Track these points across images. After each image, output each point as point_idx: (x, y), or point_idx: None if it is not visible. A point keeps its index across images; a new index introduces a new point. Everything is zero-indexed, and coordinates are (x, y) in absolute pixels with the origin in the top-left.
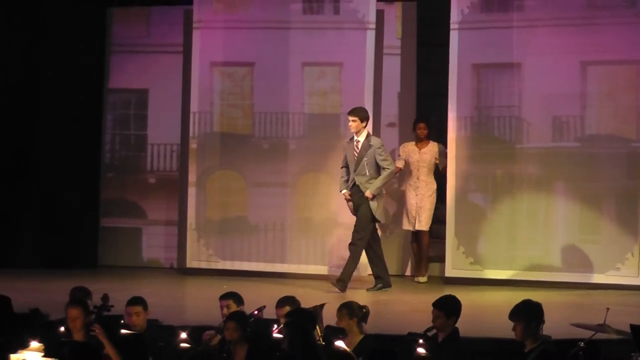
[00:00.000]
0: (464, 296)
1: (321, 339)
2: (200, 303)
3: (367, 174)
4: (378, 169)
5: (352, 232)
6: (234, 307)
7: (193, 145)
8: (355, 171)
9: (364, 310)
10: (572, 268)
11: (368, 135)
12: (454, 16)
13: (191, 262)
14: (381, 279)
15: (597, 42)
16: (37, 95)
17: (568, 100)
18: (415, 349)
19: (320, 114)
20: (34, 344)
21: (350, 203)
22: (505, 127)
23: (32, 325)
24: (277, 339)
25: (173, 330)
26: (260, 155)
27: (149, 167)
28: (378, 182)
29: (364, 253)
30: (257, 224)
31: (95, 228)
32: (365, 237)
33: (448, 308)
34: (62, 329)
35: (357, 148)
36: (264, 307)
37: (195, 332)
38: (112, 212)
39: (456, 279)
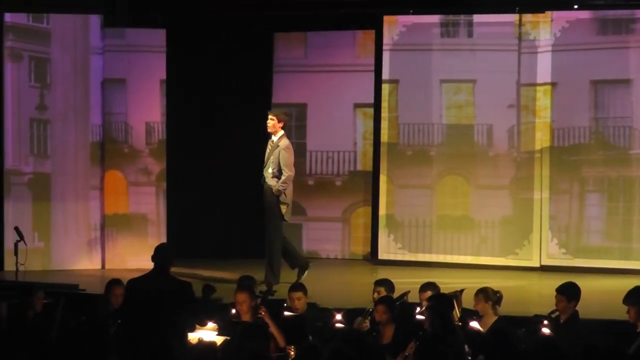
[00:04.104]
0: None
1: (459, 320)
2: (355, 288)
3: (271, 171)
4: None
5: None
6: (383, 293)
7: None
8: (264, 167)
9: (497, 294)
10: None
11: (282, 137)
12: (574, 38)
13: (382, 254)
14: (298, 266)
15: None
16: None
17: None
18: (540, 329)
19: (456, 125)
20: (210, 324)
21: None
22: (619, 135)
23: (206, 299)
24: (420, 321)
25: (330, 312)
26: (404, 160)
27: (308, 171)
28: (278, 185)
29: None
30: (402, 220)
31: (261, 224)
32: (277, 232)
33: (569, 293)
34: (233, 311)
35: (270, 146)
36: (409, 292)
37: (350, 314)
38: None
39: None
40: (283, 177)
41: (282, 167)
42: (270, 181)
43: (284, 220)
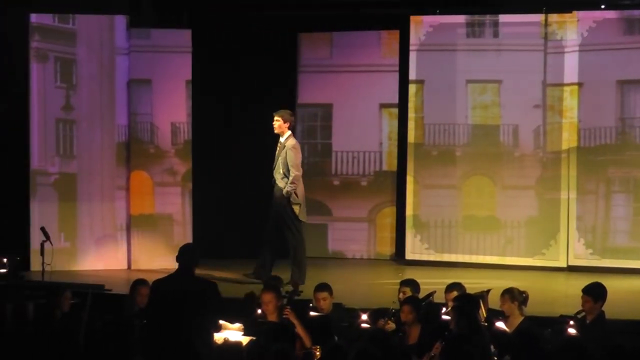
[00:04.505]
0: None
1: (485, 321)
2: (381, 288)
3: (281, 172)
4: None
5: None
6: (409, 293)
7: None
8: (274, 169)
9: (524, 295)
10: None
11: (289, 137)
12: (600, 38)
13: (408, 255)
14: (258, 271)
15: None
16: (237, 110)
17: None
18: (566, 330)
19: (482, 125)
20: (235, 324)
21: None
22: None
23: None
24: (446, 321)
25: (355, 313)
26: (430, 161)
27: (333, 171)
28: (287, 186)
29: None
30: (428, 221)
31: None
32: (297, 233)
33: (596, 293)
34: (259, 311)
35: (279, 148)
36: (434, 292)
37: (375, 315)
38: None
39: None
40: (290, 177)
41: (290, 167)
42: (280, 182)
43: (301, 221)
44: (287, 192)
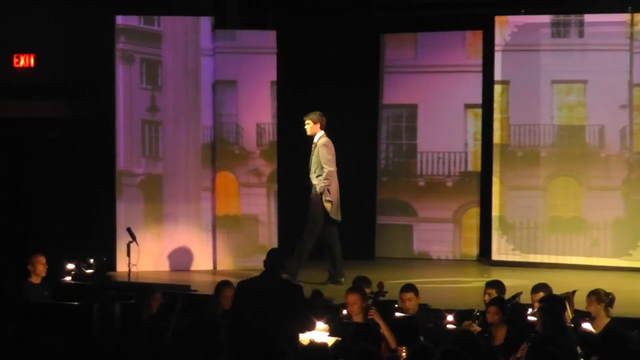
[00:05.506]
0: None
1: (571, 322)
2: (467, 289)
3: (314, 171)
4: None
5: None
6: (494, 295)
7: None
8: (310, 169)
9: (610, 296)
10: None
11: (321, 137)
12: None
13: (495, 255)
14: (331, 275)
15: None
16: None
17: None
18: None
19: (568, 125)
20: (320, 324)
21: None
22: None
23: (315, 305)
24: (532, 322)
25: (441, 313)
26: (515, 162)
27: (418, 172)
28: (320, 182)
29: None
30: (513, 222)
31: (372, 224)
32: (314, 233)
33: None
34: (344, 312)
35: (312, 148)
36: (521, 293)
37: (461, 315)
38: (387, 210)
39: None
40: (323, 174)
41: (322, 164)
42: (315, 181)
43: (334, 220)
44: (321, 188)
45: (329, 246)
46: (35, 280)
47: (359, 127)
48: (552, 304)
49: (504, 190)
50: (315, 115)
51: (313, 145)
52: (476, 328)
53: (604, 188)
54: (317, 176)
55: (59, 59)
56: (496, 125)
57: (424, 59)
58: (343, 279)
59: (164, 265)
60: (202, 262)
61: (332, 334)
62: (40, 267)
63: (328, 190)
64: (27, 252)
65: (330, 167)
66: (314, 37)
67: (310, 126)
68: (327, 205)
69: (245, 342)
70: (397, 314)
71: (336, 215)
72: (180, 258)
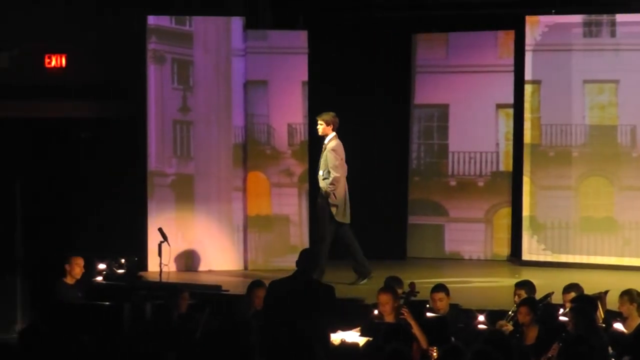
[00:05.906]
0: None
1: (603, 322)
2: (498, 289)
3: (321, 173)
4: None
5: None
6: (524, 295)
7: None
8: (319, 169)
9: None
10: None
11: (331, 139)
12: None
13: (525, 255)
14: (359, 272)
15: None
16: (353, 111)
17: None
18: None
19: (599, 125)
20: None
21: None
22: None
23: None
24: (563, 322)
25: (472, 314)
26: (547, 162)
27: (450, 171)
28: (327, 186)
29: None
30: (545, 222)
31: (404, 224)
32: (325, 237)
33: None
34: (376, 312)
35: (323, 150)
36: (552, 293)
37: (492, 316)
38: (418, 210)
39: None
40: (330, 179)
41: (330, 168)
42: (321, 183)
43: (342, 222)
44: (326, 192)
45: (346, 246)
46: (70, 280)
47: (390, 127)
48: (584, 304)
49: (535, 190)
50: (329, 115)
51: (323, 147)
52: (509, 328)
53: (636, 188)
54: (324, 179)
55: (90, 59)
56: (527, 125)
57: (456, 58)
58: (372, 274)
59: (195, 266)
60: (233, 262)
61: (363, 334)
62: (77, 269)
63: (334, 195)
64: (60, 253)
65: (336, 173)
66: (345, 37)
67: (322, 127)
68: (333, 209)
69: (276, 342)
70: (428, 314)
71: (343, 218)
72: (212, 258)
